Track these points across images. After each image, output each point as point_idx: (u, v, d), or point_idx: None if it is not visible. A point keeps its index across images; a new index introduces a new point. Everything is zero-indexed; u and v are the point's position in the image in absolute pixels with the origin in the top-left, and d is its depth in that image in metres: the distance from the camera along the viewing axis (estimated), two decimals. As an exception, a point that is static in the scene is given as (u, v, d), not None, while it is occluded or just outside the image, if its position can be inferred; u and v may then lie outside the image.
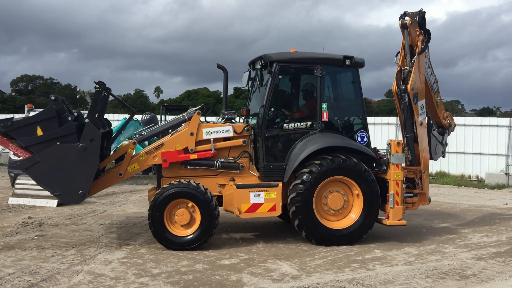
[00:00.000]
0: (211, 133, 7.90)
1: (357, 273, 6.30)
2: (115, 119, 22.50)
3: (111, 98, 8.25)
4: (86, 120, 7.28)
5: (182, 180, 7.50)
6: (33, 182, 11.30)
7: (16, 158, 13.37)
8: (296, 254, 7.23)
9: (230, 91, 70.76)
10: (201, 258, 6.94)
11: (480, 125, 18.49)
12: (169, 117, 22.27)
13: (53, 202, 11.17)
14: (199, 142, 7.86)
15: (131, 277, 6.00)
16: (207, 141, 7.87)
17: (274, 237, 8.36)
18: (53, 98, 7.15)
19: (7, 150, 18.81)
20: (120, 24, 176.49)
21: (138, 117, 17.29)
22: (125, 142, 11.78)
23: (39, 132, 6.89)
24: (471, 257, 7.19)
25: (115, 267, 6.41)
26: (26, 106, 16.76)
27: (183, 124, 8.17)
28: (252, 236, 8.44)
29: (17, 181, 11.81)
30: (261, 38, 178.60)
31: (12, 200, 11.35)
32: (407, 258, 7.08)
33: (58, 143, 6.90)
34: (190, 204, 7.37)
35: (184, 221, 7.34)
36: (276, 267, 6.53)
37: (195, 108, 8.17)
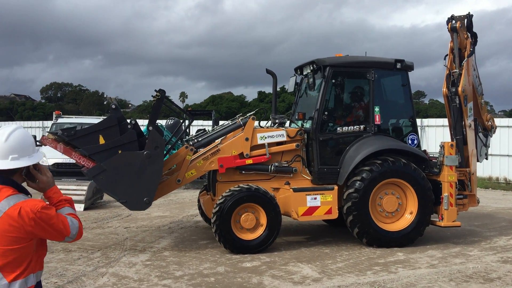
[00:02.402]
0: (265, 137, 7.96)
1: (379, 276, 6.26)
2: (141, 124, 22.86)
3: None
4: (150, 128, 7.32)
5: (242, 185, 7.52)
6: (61, 186, 11.66)
7: (44, 164, 13.77)
8: (318, 257, 7.23)
9: (254, 95, 71.00)
10: (223, 260, 7.01)
11: (508, 126, 18.08)
12: (193, 122, 22.55)
13: (80, 206, 11.42)
14: (254, 147, 7.92)
15: (154, 279, 6.12)
16: (262, 146, 7.94)
17: (296, 240, 8.38)
18: (113, 107, 7.28)
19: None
20: (142, 30, 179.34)
21: (162, 122, 17.51)
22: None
23: (101, 141, 6.98)
24: (496, 260, 7.06)
25: (139, 269, 6.54)
26: (54, 113, 17.19)
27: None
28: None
29: (46, 186, 12.10)
30: (283, 41, 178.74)
31: (41, 205, 11.63)
32: (431, 261, 7.00)
33: (120, 151, 6.98)
34: (255, 208, 7.42)
35: (250, 225, 7.39)
36: (297, 270, 6.54)
37: (249, 114, 8.24)
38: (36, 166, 2.73)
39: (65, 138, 7.05)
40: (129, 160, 7.00)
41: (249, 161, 7.90)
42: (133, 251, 7.52)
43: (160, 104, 7.75)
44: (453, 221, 7.92)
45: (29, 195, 2.64)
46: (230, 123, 8.43)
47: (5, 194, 2.53)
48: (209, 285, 5.87)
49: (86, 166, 7.13)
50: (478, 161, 8.98)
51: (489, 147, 9.42)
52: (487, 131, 9.35)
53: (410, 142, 8.37)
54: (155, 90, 7.66)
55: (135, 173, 7.00)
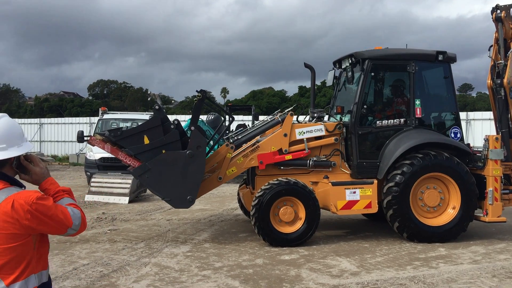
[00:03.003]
0: (304, 133, 7.99)
1: (419, 271, 6.18)
2: (183, 120, 23.30)
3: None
4: (192, 128, 7.51)
5: (281, 179, 7.57)
6: (107, 180, 12.09)
7: (91, 158, 14.30)
8: (357, 251, 7.21)
9: (295, 90, 70.74)
10: (262, 253, 7.10)
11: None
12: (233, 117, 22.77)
13: (125, 199, 11.82)
14: (292, 143, 7.96)
15: (194, 269, 6.28)
16: (300, 141, 7.97)
17: (335, 234, 8.37)
18: (157, 107, 7.53)
19: (84, 151, 20.07)
20: (184, 27, 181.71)
21: (203, 117, 17.76)
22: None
23: (146, 141, 7.22)
24: (544, 257, 6.81)
25: (180, 260, 6.73)
26: (100, 109, 17.79)
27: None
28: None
29: (93, 180, 12.61)
30: (324, 35, 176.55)
31: (88, 197, 12.13)
32: (474, 257, 6.84)
33: (164, 151, 7.20)
34: (294, 202, 7.48)
35: (289, 218, 7.46)
36: (336, 263, 6.55)
37: (287, 110, 8.31)
38: (28, 157, 2.54)
39: (112, 139, 7.32)
40: (172, 159, 7.19)
41: (289, 157, 7.93)
42: (175, 242, 7.73)
43: (201, 104, 7.95)
44: (498, 217, 7.68)
45: (23, 187, 2.41)
46: (269, 120, 8.50)
47: None
48: (247, 277, 5.98)
49: (132, 165, 7.38)
50: None
51: None
52: None
53: (453, 135, 8.19)
54: (197, 91, 7.83)
55: (179, 172, 7.19)
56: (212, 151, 8.16)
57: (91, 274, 6.04)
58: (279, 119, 8.15)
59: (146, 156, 7.21)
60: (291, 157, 7.94)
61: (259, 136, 8.22)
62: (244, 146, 8.04)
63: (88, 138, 15.63)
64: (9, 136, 2.40)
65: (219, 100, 74.75)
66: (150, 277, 5.96)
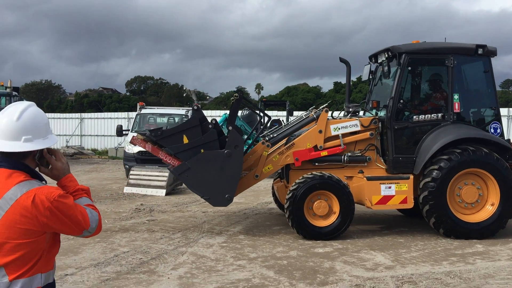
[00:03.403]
0: (339, 129, 8.01)
1: (455, 266, 6.13)
2: (218, 115, 23.58)
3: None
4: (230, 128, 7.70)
5: (315, 173, 7.62)
6: (145, 173, 12.41)
7: (129, 151, 14.70)
8: (392, 246, 7.19)
9: (330, 86, 70.19)
10: (296, 245, 7.18)
11: None
12: (267, 112, 22.86)
13: (162, 192, 12.12)
14: (327, 139, 7.99)
15: (229, 259, 6.43)
16: (335, 137, 7.99)
17: (369, 229, 8.36)
18: (195, 108, 7.76)
19: (123, 145, 20.58)
20: (218, 23, 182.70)
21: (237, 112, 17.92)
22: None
23: (185, 140, 7.43)
24: None
25: (216, 250, 6.89)
26: (138, 104, 18.21)
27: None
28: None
29: (131, 172, 12.97)
30: (360, 30, 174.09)
31: (127, 189, 12.49)
32: (512, 254, 6.72)
33: (202, 150, 7.40)
34: (328, 196, 7.53)
35: (323, 212, 7.52)
36: (370, 257, 6.57)
37: (322, 106, 8.36)
38: (51, 151, 2.45)
39: (153, 138, 7.56)
40: (211, 158, 7.37)
41: (324, 153, 7.95)
42: (210, 233, 7.91)
43: (238, 105, 8.11)
44: None
45: (43, 182, 2.33)
46: (304, 117, 8.55)
47: (16, 180, 2.20)
48: (281, 267, 6.08)
49: (172, 164, 7.60)
50: None
51: None
52: None
53: (492, 131, 8.03)
54: (234, 92, 8.01)
55: (217, 171, 7.36)
56: (249, 148, 8.27)
57: (131, 261, 6.27)
58: (314, 116, 8.18)
59: (185, 155, 7.41)
60: (326, 153, 7.96)
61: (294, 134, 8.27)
62: (280, 143, 8.12)
63: (127, 132, 16.12)
64: (36, 127, 2.30)
65: (254, 96, 75.03)
66: (187, 265, 6.14)
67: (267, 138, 8.20)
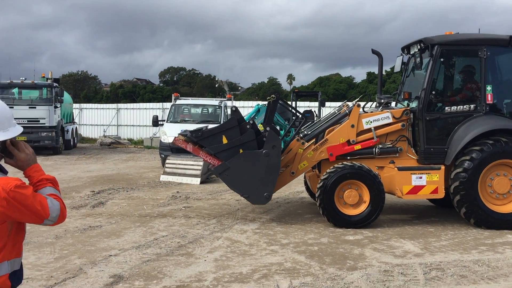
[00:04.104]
0: (371, 122, 8.16)
1: (484, 255, 6.24)
2: (250, 106, 23.87)
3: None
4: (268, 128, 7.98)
5: (346, 163, 7.81)
6: (180, 162, 12.83)
7: (165, 141, 15.17)
8: (421, 235, 7.33)
9: (363, 76, 69.30)
10: (327, 233, 7.41)
11: None
12: (299, 103, 22.99)
13: (197, 180, 12.52)
14: (360, 133, 8.15)
15: (263, 244, 6.72)
16: (368, 130, 8.13)
17: (400, 218, 8.50)
18: (234, 109, 8.10)
19: (158, 135, 21.12)
20: (249, 14, 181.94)
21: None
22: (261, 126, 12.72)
23: (224, 140, 7.77)
24: None
25: (249, 236, 7.20)
26: (173, 95, 18.68)
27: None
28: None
29: (167, 161, 13.42)
30: (394, 19, 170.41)
31: (163, 178, 12.96)
32: (544, 245, 6.76)
33: (241, 150, 7.72)
34: (358, 185, 7.71)
35: (353, 201, 7.72)
36: (400, 245, 6.74)
37: (355, 101, 8.51)
38: (14, 142, 2.48)
39: (194, 139, 7.90)
40: (250, 158, 7.67)
41: (358, 147, 8.11)
42: (244, 220, 8.22)
43: (275, 106, 8.40)
44: None
45: (5, 173, 2.40)
46: (337, 112, 8.72)
47: None
48: (312, 253, 6.33)
49: (212, 163, 7.93)
50: None
51: None
52: None
53: None
54: (272, 94, 8.32)
55: (256, 170, 7.65)
56: (282, 139, 8.49)
57: (170, 244, 6.65)
58: (347, 111, 8.32)
59: (225, 155, 7.73)
60: (360, 147, 8.12)
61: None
62: (314, 140, 8.30)
63: (162, 122, 16.57)
64: None
65: (285, 86, 74.92)
66: (223, 249, 6.47)
67: (301, 135, 8.40)
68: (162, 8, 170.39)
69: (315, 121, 9.51)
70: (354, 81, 60.78)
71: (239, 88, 78.94)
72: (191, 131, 8.04)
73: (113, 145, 25.65)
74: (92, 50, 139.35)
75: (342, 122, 8.26)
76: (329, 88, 55.83)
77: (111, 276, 5.34)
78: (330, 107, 23.54)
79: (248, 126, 7.87)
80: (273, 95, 8.30)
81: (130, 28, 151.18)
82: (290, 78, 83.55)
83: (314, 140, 8.27)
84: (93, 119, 30.95)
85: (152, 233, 7.31)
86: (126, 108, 30.71)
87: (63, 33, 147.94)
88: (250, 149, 7.71)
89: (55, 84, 20.99)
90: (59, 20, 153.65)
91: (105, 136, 27.09)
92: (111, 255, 6.13)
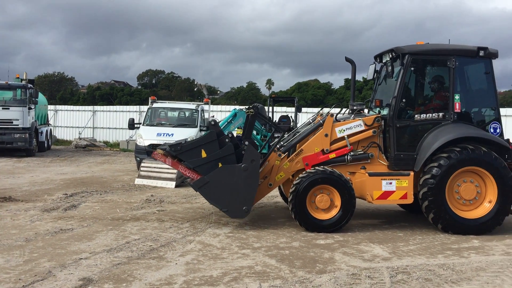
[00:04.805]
0: (344, 130, 8.32)
1: (449, 259, 6.42)
2: (227, 110, 23.91)
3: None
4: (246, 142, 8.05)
5: (318, 168, 7.94)
6: (155, 165, 12.79)
7: (141, 144, 15.10)
8: (391, 239, 7.49)
9: (341, 82, 70.04)
10: (299, 237, 7.51)
11: None
12: (276, 108, 23.13)
13: (172, 184, 12.51)
14: (334, 141, 8.30)
15: (234, 248, 6.78)
16: (341, 139, 8.30)
17: (370, 223, 8.67)
18: (212, 123, 8.13)
19: (134, 138, 21.00)
20: (229, 18, 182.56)
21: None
22: (239, 130, 12.82)
23: (203, 154, 7.81)
24: None
25: (222, 239, 7.24)
26: (150, 98, 18.61)
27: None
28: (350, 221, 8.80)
29: (142, 165, 13.37)
30: (372, 26, 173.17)
31: (138, 181, 12.91)
32: (506, 249, 6.98)
33: (220, 164, 7.77)
34: (330, 190, 7.82)
35: (325, 206, 7.82)
36: (369, 249, 6.87)
37: (328, 110, 8.64)
38: None
39: (173, 153, 7.92)
40: (228, 172, 7.71)
41: (332, 155, 8.26)
42: (217, 224, 8.27)
43: (254, 120, 8.50)
44: None
45: None
46: (311, 121, 8.87)
47: None
48: (283, 256, 6.41)
49: (192, 177, 7.96)
50: None
51: None
52: None
53: (492, 130, 8.27)
54: (249, 106, 8.41)
55: (234, 184, 7.69)
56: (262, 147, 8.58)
57: (142, 248, 6.65)
58: (320, 121, 8.47)
59: (204, 169, 7.76)
60: (334, 155, 8.27)
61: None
62: (290, 151, 8.41)
63: (138, 125, 16.51)
64: None
65: (264, 91, 75.21)
66: (194, 252, 6.50)
67: (278, 146, 8.48)
68: (141, 10, 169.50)
69: (291, 131, 9.62)
70: (332, 87, 61.42)
71: (218, 92, 78.89)
72: (170, 145, 8.06)
73: (88, 147, 25.38)
74: (69, 51, 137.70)
75: (317, 132, 8.39)
76: (307, 93, 56.29)
77: (80, 279, 5.32)
78: (307, 113, 23.80)
79: (227, 140, 7.93)
80: (251, 110, 8.41)
81: (108, 29, 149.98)
82: (269, 83, 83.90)
83: (290, 151, 8.38)
84: (68, 121, 30.56)
85: (124, 236, 7.29)
86: (102, 111, 30.44)
87: (39, 33, 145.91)
88: (229, 163, 7.77)
89: (29, 85, 20.69)
90: (35, 20, 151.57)
91: (80, 139, 26.80)
92: (81, 258, 6.10)
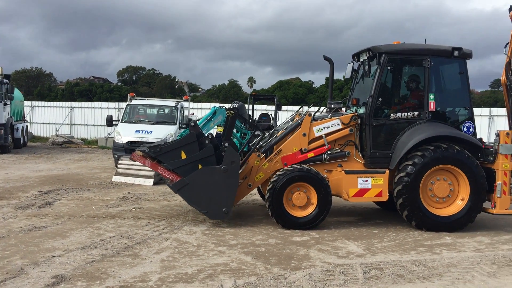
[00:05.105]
0: (322, 129, 8.39)
1: (422, 256, 6.53)
2: (208, 108, 23.85)
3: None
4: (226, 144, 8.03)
5: (295, 165, 8.01)
6: (133, 163, 12.69)
7: (119, 141, 14.96)
8: (365, 236, 7.58)
9: (322, 81, 70.39)
10: (275, 234, 7.54)
11: None
12: (256, 106, 23.18)
13: (150, 181, 12.43)
14: (312, 141, 8.37)
15: (211, 245, 6.78)
16: (319, 138, 8.37)
17: (346, 220, 8.77)
18: (192, 124, 8.09)
19: (112, 135, 20.79)
20: (211, 15, 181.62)
21: (227, 105, 18.21)
22: (219, 128, 12.80)
23: (183, 156, 7.76)
24: (547, 249, 7.06)
25: (198, 237, 7.24)
26: (128, 95, 18.45)
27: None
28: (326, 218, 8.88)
29: (120, 162, 13.25)
30: (353, 26, 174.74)
31: (115, 178, 12.78)
32: (477, 246, 7.14)
33: (200, 165, 7.73)
34: (307, 188, 7.89)
35: (301, 203, 7.89)
36: (344, 246, 6.95)
37: (305, 111, 8.71)
38: None
39: (152, 155, 7.87)
40: (208, 174, 7.68)
41: (311, 155, 8.33)
42: (194, 221, 8.25)
43: (234, 122, 8.51)
44: (505, 209, 7.94)
45: None
46: (290, 121, 8.91)
47: None
48: (259, 253, 6.44)
49: (171, 179, 7.91)
50: None
51: None
52: None
53: (465, 130, 8.43)
54: (230, 108, 8.45)
55: (214, 186, 7.67)
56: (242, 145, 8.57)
57: (117, 245, 6.60)
58: (299, 121, 8.52)
59: (184, 170, 7.73)
60: (313, 155, 8.33)
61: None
62: (269, 151, 8.45)
63: (117, 122, 16.35)
64: None
65: (246, 89, 75.16)
66: (170, 250, 6.48)
67: (257, 147, 8.50)
68: (121, 6, 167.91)
69: (271, 130, 9.64)
70: (313, 86, 61.68)
71: (200, 89, 78.55)
72: (149, 147, 8.00)
73: (66, 144, 25.03)
74: (47, 46, 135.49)
75: (295, 131, 8.44)
76: (288, 92, 56.41)
77: (53, 277, 5.26)
78: (287, 111, 23.90)
79: (207, 141, 7.91)
80: (231, 111, 8.41)
81: (87, 25, 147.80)
82: (251, 81, 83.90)
83: (268, 151, 8.42)
84: (45, 117, 30.08)
85: (99, 234, 7.22)
86: (80, 107, 30.04)
87: (15, 27, 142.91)
88: (209, 164, 7.75)
89: (5, 80, 20.31)
90: (12, 13, 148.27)
91: (57, 135, 26.40)
92: (54, 256, 6.03)
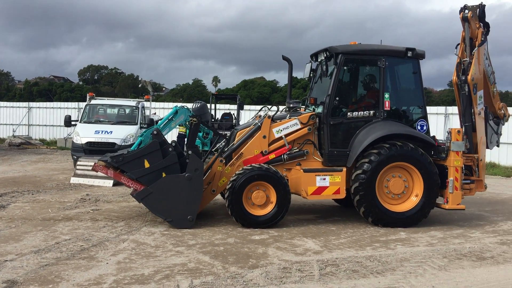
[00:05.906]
0: (281, 130, 8.47)
1: (377, 251, 6.70)
2: (171, 107, 23.61)
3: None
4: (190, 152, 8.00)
5: (254, 164, 8.05)
6: (92, 163, 12.46)
7: (78, 142, 14.65)
8: (323, 233, 7.71)
9: (286, 80, 70.76)
10: (235, 233, 7.57)
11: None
12: (219, 105, 23.15)
13: (109, 182, 12.20)
14: (272, 142, 8.45)
15: (169, 246, 6.74)
16: (279, 139, 8.45)
17: (305, 218, 8.88)
18: (155, 132, 8.01)
19: (71, 136, 20.33)
20: (173, 13, 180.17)
21: (189, 105, 18.10)
22: (181, 128, 12.72)
23: (146, 164, 7.68)
24: (494, 242, 7.36)
25: (157, 237, 7.18)
26: (88, 94, 18.07)
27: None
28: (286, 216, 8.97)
29: (78, 163, 12.95)
30: (316, 26, 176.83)
31: (74, 180, 12.49)
32: (430, 241, 7.37)
33: (164, 174, 7.66)
34: (266, 186, 7.94)
35: (260, 202, 7.94)
36: (302, 243, 7.04)
37: (264, 114, 8.80)
38: None
39: (114, 164, 7.75)
40: (172, 182, 7.64)
41: (272, 156, 8.40)
42: (153, 222, 8.18)
43: (197, 129, 8.57)
44: (457, 204, 8.24)
45: None
46: (251, 124, 8.95)
47: None
48: (217, 253, 6.45)
49: (135, 188, 7.82)
50: (488, 148, 9.20)
51: (501, 134, 9.59)
52: (499, 119, 9.52)
53: (419, 128, 8.68)
54: (192, 116, 8.54)
55: (178, 194, 7.64)
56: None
57: (72, 248, 6.48)
58: (258, 123, 8.57)
59: (148, 179, 7.67)
60: (274, 156, 8.41)
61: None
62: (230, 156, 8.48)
63: (75, 123, 15.97)
64: None
65: (210, 89, 74.89)
66: (127, 251, 6.41)
67: (219, 151, 8.50)
68: (80, 2, 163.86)
69: (233, 129, 9.65)
70: (277, 85, 62.06)
71: (164, 89, 77.74)
72: (111, 156, 7.88)
73: (23, 145, 24.31)
74: (4, 44, 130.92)
75: (255, 134, 8.49)
76: (253, 91, 56.59)
77: (4, 282, 5.12)
78: (250, 110, 23.95)
79: (170, 149, 7.86)
80: (194, 119, 8.40)
81: (45, 22, 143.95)
82: (215, 80, 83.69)
83: (229, 156, 8.44)
84: (1, 118, 29.09)
85: (54, 237, 7.07)
86: (38, 107, 29.18)
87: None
88: (173, 172, 7.70)
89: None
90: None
91: (14, 136, 25.60)
92: (6, 260, 5.86)
